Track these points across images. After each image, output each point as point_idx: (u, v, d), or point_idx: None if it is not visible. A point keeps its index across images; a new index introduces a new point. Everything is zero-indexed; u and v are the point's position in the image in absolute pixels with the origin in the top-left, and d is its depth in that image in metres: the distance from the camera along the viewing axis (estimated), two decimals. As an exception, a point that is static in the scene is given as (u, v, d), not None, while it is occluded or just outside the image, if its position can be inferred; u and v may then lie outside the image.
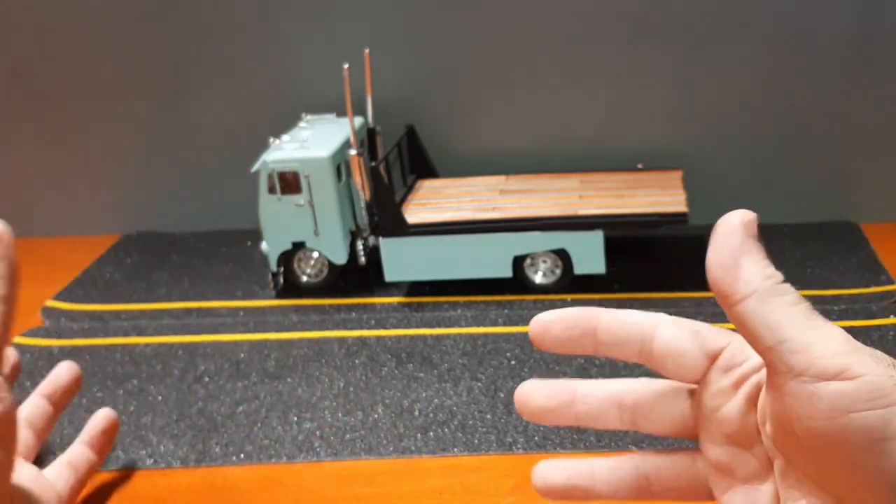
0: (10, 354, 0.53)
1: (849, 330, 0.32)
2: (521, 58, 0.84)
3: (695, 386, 0.36)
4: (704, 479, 0.37)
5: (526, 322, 0.38)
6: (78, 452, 0.52)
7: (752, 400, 0.34)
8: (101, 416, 0.55)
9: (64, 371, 0.54)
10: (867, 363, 0.30)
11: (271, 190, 0.74)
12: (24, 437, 0.51)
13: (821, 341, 0.31)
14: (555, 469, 0.39)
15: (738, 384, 0.34)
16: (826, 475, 0.31)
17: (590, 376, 0.62)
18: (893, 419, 0.29)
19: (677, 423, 0.38)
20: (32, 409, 0.52)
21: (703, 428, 0.36)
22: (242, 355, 0.69)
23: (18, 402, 0.46)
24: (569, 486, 0.39)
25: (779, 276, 0.32)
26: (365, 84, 0.79)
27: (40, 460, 0.51)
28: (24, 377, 0.67)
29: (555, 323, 0.38)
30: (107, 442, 0.54)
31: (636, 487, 0.38)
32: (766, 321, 0.31)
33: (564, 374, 0.62)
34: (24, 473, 0.48)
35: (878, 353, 0.31)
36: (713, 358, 0.35)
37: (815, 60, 0.80)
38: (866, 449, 0.29)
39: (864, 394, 0.29)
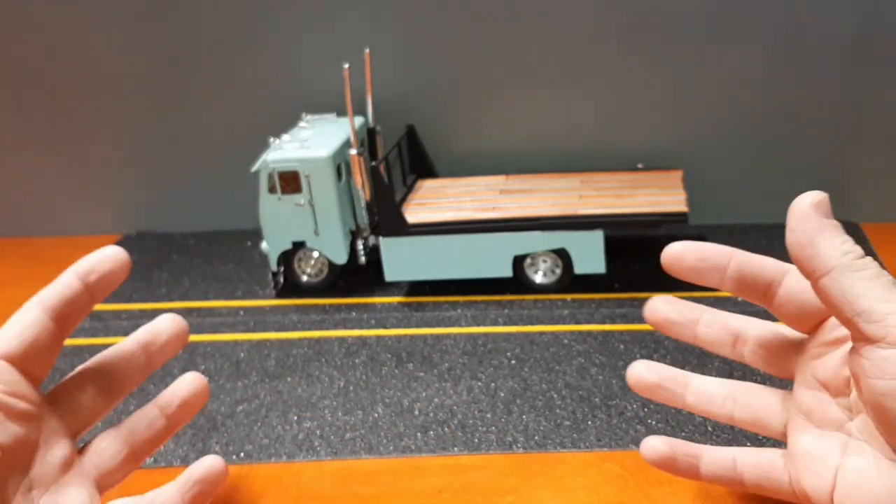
0: None
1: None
2: (522, 58, 0.84)
3: (803, 335, 0.41)
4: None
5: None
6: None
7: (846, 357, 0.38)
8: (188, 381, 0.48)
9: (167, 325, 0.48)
10: None
11: (271, 190, 0.74)
12: None
13: None
14: (650, 368, 0.45)
15: (839, 342, 0.38)
16: (888, 430, 0.34)
17: (590, 376, 0.62)
18: None
19: (781, 363, 0.42)
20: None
21: (801, 371, 0.40)
22: (242, 355, 0.69)
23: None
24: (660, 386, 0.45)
25: (857, 250, 0.35)
26: (365, 84, 0.79)
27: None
28: (24, 377, 0.67)
29: (687, 253, 0.41)
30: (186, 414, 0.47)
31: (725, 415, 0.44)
32: (845, 295, 0.34)
33: (564, 374, 0.62)
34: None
35: None
36: (827, 315, 0.39)
37: (816, 60, 0.80)
38: None
39: None
